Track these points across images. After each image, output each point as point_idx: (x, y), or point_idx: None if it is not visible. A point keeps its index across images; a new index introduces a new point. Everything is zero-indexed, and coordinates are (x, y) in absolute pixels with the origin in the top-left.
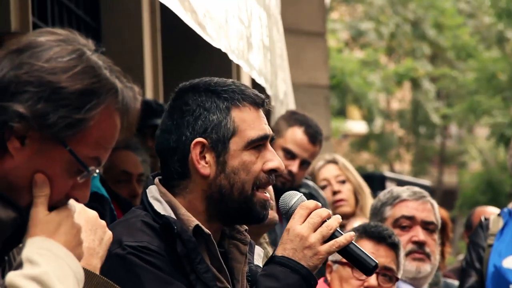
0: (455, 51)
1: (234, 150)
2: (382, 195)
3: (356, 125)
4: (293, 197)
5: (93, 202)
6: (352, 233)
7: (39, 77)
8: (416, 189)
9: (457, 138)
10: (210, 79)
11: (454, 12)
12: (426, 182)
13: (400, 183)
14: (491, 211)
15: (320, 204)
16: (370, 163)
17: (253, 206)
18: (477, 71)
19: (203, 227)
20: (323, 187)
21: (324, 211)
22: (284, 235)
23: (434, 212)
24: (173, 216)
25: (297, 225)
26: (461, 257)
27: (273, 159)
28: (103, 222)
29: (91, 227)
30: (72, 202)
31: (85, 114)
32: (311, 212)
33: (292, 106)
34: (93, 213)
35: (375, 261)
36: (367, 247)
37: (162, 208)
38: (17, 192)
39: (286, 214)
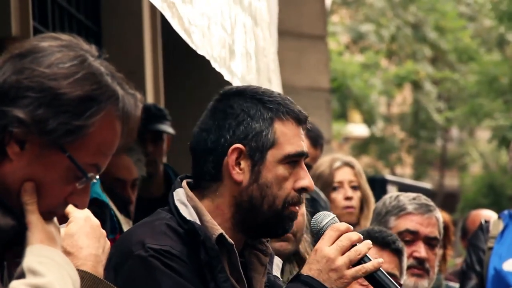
0: (457, 54)
1: (270, 161)
2: (388, 201)
3: (357, 129)
4: (325, 218)
5: (93, 208)
6: (381, 259)
7: (40, 83)
8: (423, 200)
9: (458, 141)
10: (257, 87)
11: (455, 15)
12: (427, 185)
13: (402, 186)
14: (486, 215)
15: (351, 227)
16: (371, 167)
17: (282, 220)
18: (478, 74)
19: (226, 236)
20: (334, 188)
21: (355, 235)
22: (311, 255)
23: (438, 226)
24: (198, 222)
25: (325, 247)
26: (458, 260)
27: (305, 178)
28: (104, 231)
29: (96, 235)
30: (72, 208)
31: (85, 121)
32: (341, 235)
33: None
34: (97, 222)
35: None
36: (370, 252)
37: (187, 212)
38: (11, 196)
39: (317, 235)
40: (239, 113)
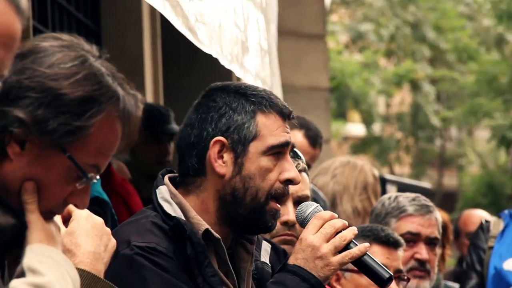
0: (457, 53)
1: (253, 153)
2: (387, 202)
3: (356, 128)
4: (308, 207)
5: (94, 207)
6: (367, 244)
7: (40, 83)
8: (423, 201)
9: (457, 141)
10: (242, 83)
11: (455, 14)
12: (426, 184)
13: (401, 185)
14: (479, 215)
15: (336, 215)
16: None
17: (263, 214)
18: (477, 73)
19: (212, 231)
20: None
21: (339, 222)
22: (296, 244)
23: (438, 225)
24: (183, 218)
25: (309, 235)
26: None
27: (290, 170)
28: (108, 229)
29: (97, 232)
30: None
31: (85, 122)
32: (325, 223)
33: None
34: (99, 220)
35: (389, 273)
36: (380, 253)
37: (171, 209)
38: (12, 195)
39: (301, 224)
40: (221, 106)
